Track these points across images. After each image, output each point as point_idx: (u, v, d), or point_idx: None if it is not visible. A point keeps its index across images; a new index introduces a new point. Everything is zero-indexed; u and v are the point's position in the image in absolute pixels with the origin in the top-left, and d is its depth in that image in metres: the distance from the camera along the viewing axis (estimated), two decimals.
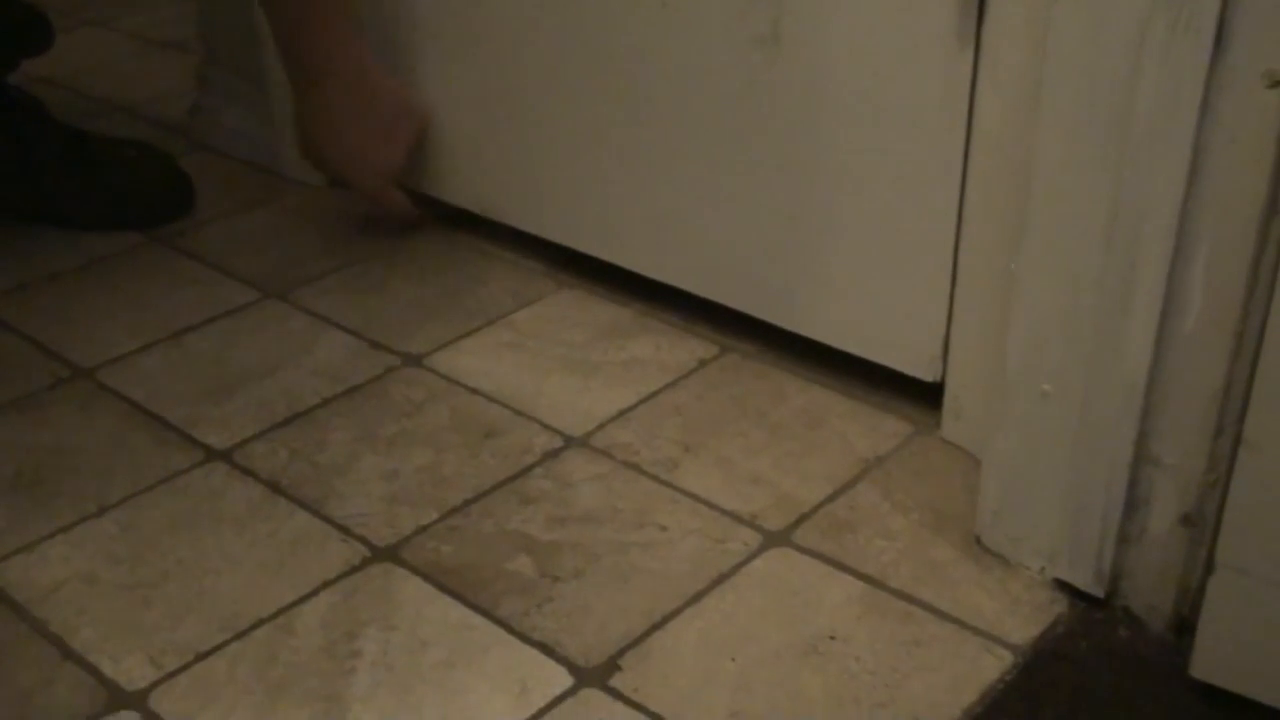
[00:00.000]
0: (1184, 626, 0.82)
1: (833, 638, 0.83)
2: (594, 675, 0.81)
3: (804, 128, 1.01)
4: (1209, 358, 0.75)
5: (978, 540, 0.90)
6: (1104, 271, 0.77)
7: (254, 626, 0.85)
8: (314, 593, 0.87)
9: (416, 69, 1.26)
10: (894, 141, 0.96)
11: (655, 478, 0.98)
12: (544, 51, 1.15)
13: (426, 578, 0.88)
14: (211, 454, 1.01)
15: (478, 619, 0.85)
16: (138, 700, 0.79)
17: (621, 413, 1.05)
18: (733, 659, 0.82)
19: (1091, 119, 0.74)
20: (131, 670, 0.81)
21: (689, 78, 1.06)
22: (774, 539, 0.92)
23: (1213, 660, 0.77)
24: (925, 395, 1.03)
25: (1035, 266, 0.80)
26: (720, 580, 0.88)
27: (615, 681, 0.80)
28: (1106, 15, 0.72)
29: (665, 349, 1.13)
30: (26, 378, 1.10)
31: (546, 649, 0.83)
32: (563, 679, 0.81)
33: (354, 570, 0.89)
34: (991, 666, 0.81)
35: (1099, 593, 0.85)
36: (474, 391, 1.07)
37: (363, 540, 0.92)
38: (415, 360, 1.12)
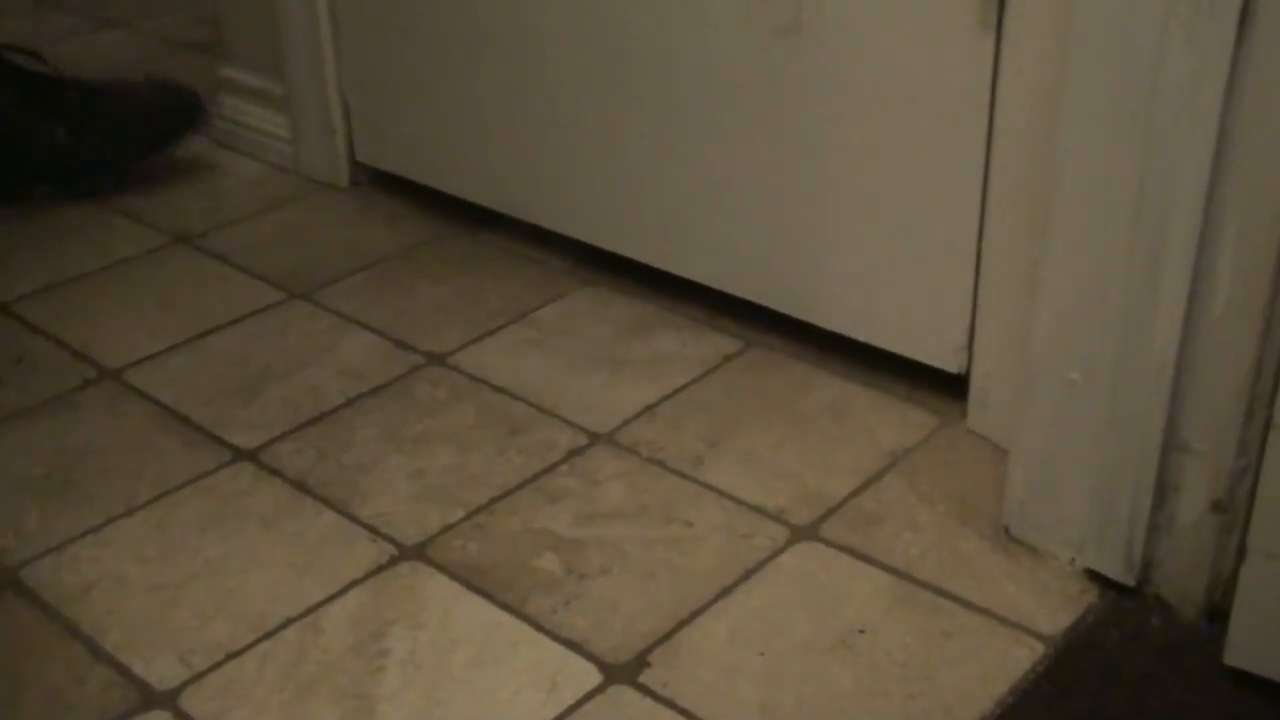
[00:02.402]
0: (1216, 613, 0.81)
1: (862, 631, 0.83)
2: (623, 672, 0.81)
3: (825, 119, 1.00)
4: (1238, 342, 0.74)
5: (1006, 531, 0.90)
6: (1131, 256, 0.76)
7: (283, 626, 0.85)
8: (342, 592, 0.87)
9: (441, 67, 1.26)
10: (915, 131, 0.96)
11: (681, 474, 0.97)
12: (562, 48, 1.15)
13: (454, 576, 0.88)
14: (239, 454, 1.01)
15: (505, 617, 0.85)
16: (168, 700, 0.80)
17: (646, 409, 1.05)
18: (762, 653, 0.82)
19: (1116, 101, 0.74)
20: (162, 670, 0.82)
21: (708, 71, 1.06)
22: (801, 533, 0.91)
23: (1247, 647, 0.77)
24: (950, 387, 1.02)
25: (1060, 253, 0.79)
26: (748, 575, 0.88)
27: (644, 678, 0.80)
28: None
29: (689, 344, 1.12)
30: (55, 379, 1.10)
31: (575, 646, 0.83)
32: (592, 676, 0.80)
33: (381, 569, 0.89)
34: (1023, 657, 0.81)
35: (1130, 581, 0.84)
36: (498, 389, 1.07)
37: (390, 539, 0.92)
38: (439, 359, 1.12)
